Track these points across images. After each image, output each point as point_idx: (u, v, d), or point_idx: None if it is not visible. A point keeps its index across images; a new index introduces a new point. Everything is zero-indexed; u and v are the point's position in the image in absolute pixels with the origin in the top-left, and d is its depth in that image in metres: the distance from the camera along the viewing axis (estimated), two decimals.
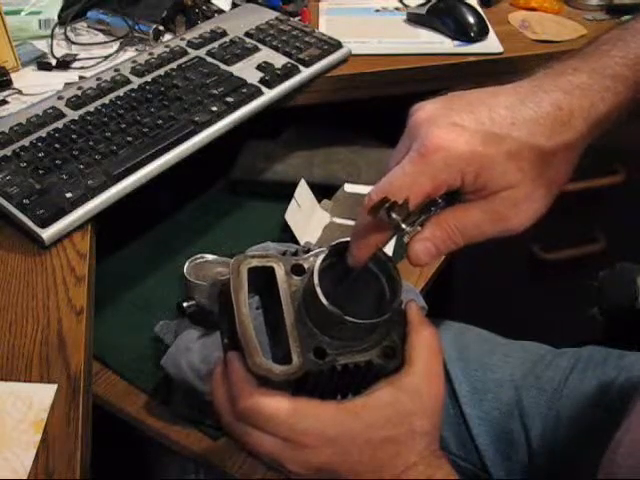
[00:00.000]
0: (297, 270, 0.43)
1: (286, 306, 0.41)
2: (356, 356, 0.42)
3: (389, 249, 0.79)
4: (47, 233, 0.62)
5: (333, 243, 0.42)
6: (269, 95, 0.80)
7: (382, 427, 0.42)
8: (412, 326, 0.45)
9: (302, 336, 0.41)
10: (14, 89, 0.84)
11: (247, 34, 0.90)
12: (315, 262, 0.41)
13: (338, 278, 0.42)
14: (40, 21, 0.96)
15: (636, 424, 0.49)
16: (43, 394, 0.49)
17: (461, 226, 0.42)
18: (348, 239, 0.42)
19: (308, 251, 0.75)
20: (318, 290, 0.40)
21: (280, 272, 0.42)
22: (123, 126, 0.73)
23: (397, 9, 1.06)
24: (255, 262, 0.41)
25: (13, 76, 0.85)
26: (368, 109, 0.96)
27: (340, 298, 0.41)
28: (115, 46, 0.93)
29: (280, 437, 0.42)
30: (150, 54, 0.84)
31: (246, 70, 0.83)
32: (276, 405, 0.41)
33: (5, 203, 0.64)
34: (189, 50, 0.86)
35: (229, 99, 0.77)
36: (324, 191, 0.88)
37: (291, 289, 0.42)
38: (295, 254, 0.70)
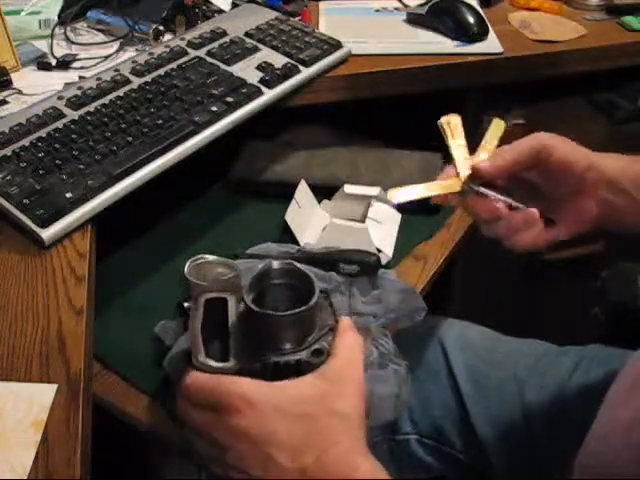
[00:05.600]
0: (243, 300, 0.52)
1: (231, 323, 0.50)
2: (288, 356, 0.50)
3: (391, 241, 0.79)
4: (47, 233, 0.62)
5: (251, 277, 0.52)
6: (269, 95, 0.80)
7: (301, 402, 0.46)
8: (338, 332, 0.51)
9: (241, 342, 0.50)
10: (14, 89, 0.84)
11: (247, 34, 0.90)
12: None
13: (264, 295, 0.53)
14: (40, 21, 0.96)
15: (598, 427, 0.53)
16: (43, 394, 0.49)
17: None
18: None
19: (308, 252, 0.75)
20: (246, 297, 0.50)
21: (232, 301, 0.51)
22: (123, 126, 0.73)
23: (397, 9, 1.06)
24: (213, 295, 0.51)
25: (13, 76, 0.86)
26: (368, 109, 0.96)
27: (267, 309, 0.50)
28: (115, 46, 0.93)
29: (209, 406, 0.47)
30: (150, 54, 0.84)
31: (246, 70, 0.83)
32: (206, 377, 0.48)
33: (5, 203, 0.64)
34: (189, 50, 0.86)
35: (229, 99, 0.77)
36: (324, 191, 0.88)
37: (237, 312, 0.51)
38: (295, 256, 0.71)
